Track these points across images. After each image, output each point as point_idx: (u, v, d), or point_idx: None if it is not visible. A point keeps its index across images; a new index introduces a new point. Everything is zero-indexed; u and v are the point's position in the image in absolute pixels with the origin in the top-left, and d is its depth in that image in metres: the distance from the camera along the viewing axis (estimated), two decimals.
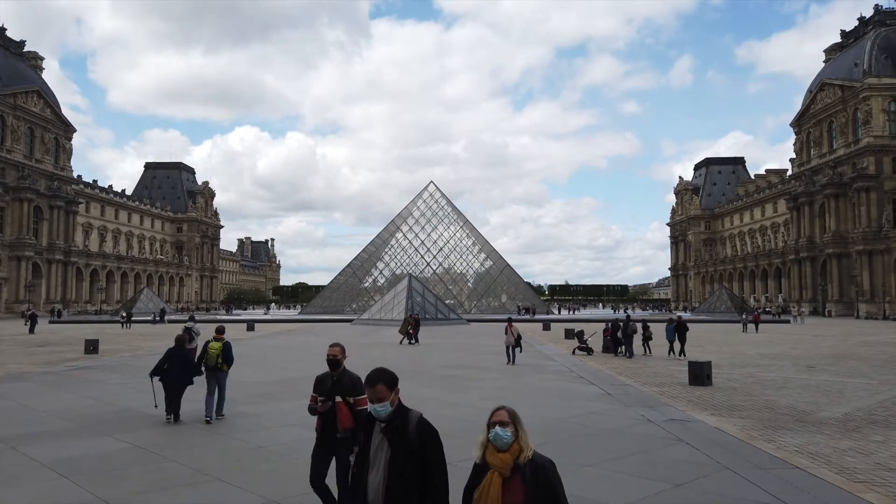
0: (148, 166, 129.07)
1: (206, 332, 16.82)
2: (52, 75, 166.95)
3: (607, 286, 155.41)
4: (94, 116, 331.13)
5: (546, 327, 43.37)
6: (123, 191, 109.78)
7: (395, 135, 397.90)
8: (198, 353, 13.63)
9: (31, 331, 38.77)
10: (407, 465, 3.34)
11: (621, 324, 24.14)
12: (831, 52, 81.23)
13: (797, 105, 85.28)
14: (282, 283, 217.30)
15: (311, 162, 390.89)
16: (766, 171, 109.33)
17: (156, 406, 10.94)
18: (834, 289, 71.85)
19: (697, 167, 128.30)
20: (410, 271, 65.87)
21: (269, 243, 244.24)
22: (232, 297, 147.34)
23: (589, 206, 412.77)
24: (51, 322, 55.78)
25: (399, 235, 74.23)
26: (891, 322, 55.83)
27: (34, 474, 7.68)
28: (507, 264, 73.73)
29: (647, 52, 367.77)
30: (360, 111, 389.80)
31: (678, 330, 23.06)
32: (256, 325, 46.44)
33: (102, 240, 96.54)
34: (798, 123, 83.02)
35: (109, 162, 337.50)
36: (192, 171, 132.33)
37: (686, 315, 46.82)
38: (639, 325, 24.48)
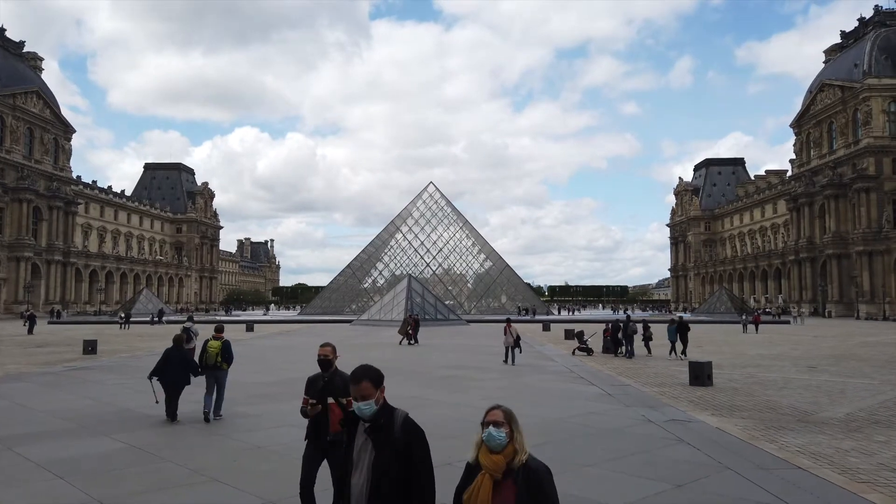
0: (147, 167, 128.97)
1: (204, 333, 16.75)
2: (51, 76, 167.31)
3: (607, 287, 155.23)
4: (94, 117, 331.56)
5: (546, 328, 43.32)
6: (123, 191, 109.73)
7: (394, 135, 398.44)
8: (197, 353, 13.61)
9: (30, 331, 38.73)
10: (392, 465, 3.21)
11: (621, 324, 24.09)
12: (831, 52, 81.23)
13: (797, 106, 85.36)
14: (281, 283, 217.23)
15: (310, 162, 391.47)
16: (766, 171, 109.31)
17: (156, 402, 10.90)
18: (834, 289, 71.81)
19: (697, 168, 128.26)
20: (410, 272, 65.82)
21: (269, 244, 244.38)
22: (231, 297, 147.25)
23: (589, 206, 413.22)
24: (50, 323, 55.73)
25: (399, 236, 74.22)
26: (891, 323, 55.79)
27: (30, 475, 7.63)
28: (507, 265, 73.67)
29: (646, 53, 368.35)
30: (360, 112, 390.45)
31: (680, 330, 23.00)
32: (256, 325, 46.38)
33: (102, 240, 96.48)
34: (798, 124, 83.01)
35: (109, 163, 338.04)
36: (191, 172, 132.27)
37: (686, 316, 46.66)
38: (639, 326, 24.44)
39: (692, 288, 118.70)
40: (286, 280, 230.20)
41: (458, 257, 74.28)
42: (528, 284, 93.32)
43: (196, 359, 11.82)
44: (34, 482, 7.34)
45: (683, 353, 22.52)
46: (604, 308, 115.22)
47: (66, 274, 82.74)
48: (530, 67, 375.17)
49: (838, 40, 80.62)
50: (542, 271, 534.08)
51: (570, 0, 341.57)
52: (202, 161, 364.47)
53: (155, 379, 10.83)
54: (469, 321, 51.18)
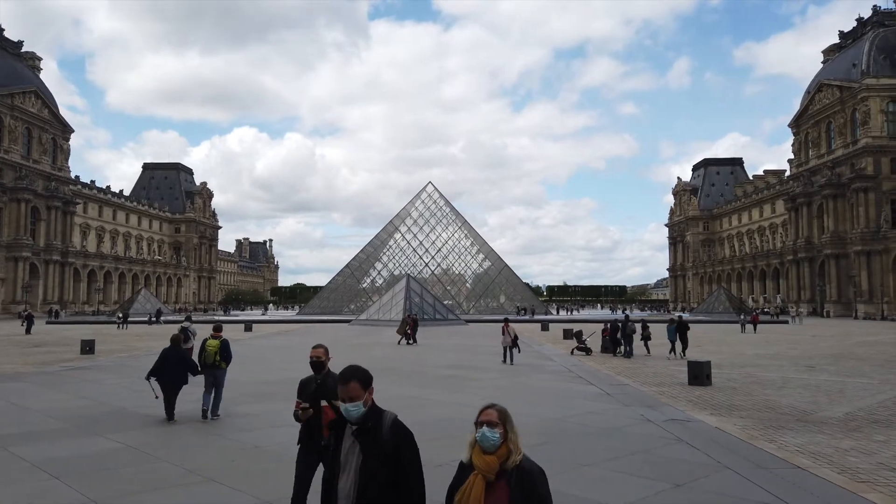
0: (146, 167, 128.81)
1: (202, 333, 16.70)
2: (50, 76, 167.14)
3: (605, 287, 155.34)
4: (92, 117, 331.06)
5: (544, 328, 43.31)
6: (121, 191, 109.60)
7: (393, 136, 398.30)
8: (195, 352, 13.57)
9: (28, 331, 38.65)
10: (380, 469, 3.11)
11: (620, 324, 24.06)
12: (829, 52, 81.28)
13: (795, 106, 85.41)
14: (280, 283, 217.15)
15: (309, 163, 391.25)
16: (765, 171, 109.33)
17: (156, 397, 10.86)
18: (832, 289, 71.84)
19: (696, 168, 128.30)
20: (409, 272, 65.73)
21: (268, 244, 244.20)
22: (230, 297, 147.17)
23: (587, 207, 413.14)
24: (48, 323, 55.62)
25: (397, 236, 74.14)
26: (889, 322, 55.81)
27: (25, 475, 7.57)
28: (506, 265, 73.62)
29: (645, 54, 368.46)
30: (359, 112, 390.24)
31: (679, 330, 22.98)
32: (254, 325, 46.34)
33: (100, 240, 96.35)
34: (796, 124, 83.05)
35: (107, 163, 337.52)
36: (190, 172, 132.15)
37: (685, 316, 46.66)
38: (638, 326, 24.41)
39: (691, 288, 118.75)
40: (285, 280, 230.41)
41: (456, 257, 74.23)
42: (527, 284, 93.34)
43: (194, 357, 11.78)
44: (29, 482, 7.28)
45: (683, 352, 22.51)
46: (602, 308, 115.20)
47: (64, 274, 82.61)
48: (529, 68, 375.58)
49: (836, 40, 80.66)
50: (540, 271, 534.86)
51: (568, 0, 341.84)
52: (200, 161, 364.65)
53: (153, 379, 10.81)
54: (468, 321, 51.15)
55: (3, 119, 72.29)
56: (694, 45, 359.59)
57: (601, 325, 26.49)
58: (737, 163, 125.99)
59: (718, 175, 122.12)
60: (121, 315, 50.31)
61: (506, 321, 22.39)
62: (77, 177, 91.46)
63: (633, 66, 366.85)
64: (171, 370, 10.76)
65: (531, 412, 11.42)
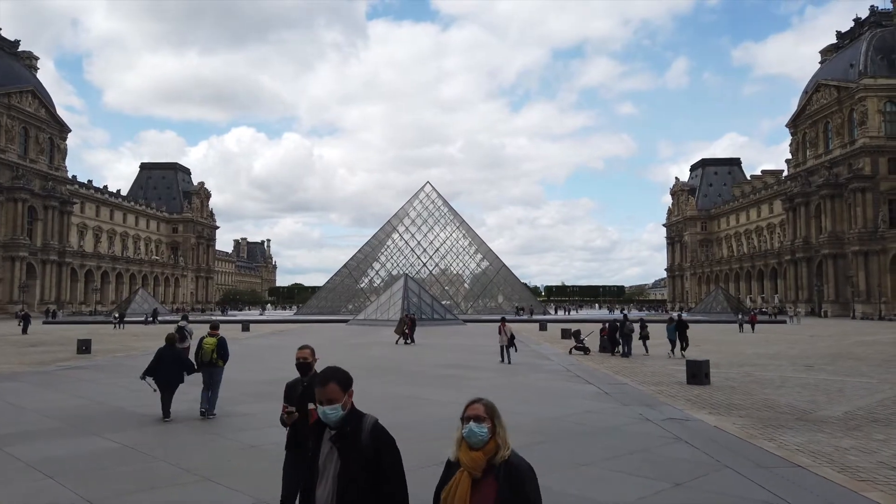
0: (143, 167, 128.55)
1: (199, 333, 16.64)
2: (47, 76, 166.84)
3: (604, 287, 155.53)
4: (90, 117, 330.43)
5: (543, 327, 43.29)
6: (119, 191, 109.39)
7: (391, 136, 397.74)
8: (192, 351, 13.52)
9: (24, 331, 38.51)
10: (359, 475, 2.98)
11: (618, 324, 24.04)
12: (827, 53, 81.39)
13: (793, 107, 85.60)
14: (278, 284, 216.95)
15: (307, 163, 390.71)
16: (762, 171, 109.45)
17: (154, 391, 10.81)
18: (830, 289, 71.91)
19: (693, 168, 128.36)
20: (407, 272, 65.61)
21: (266, 244, 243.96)
22: (228, 297, 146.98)
23: (586, 207, 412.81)
24: (44, 323, 55.49)
25: (395, 236, 74.04)
26: (886, 322, 55.88)
27: (19, 474, 7.51)
28: (504, 265, 73.58)
29: (643, 54, 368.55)
30: (357, 112, 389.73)
31: (679, 329, 22.97)
32: (252, 325, 46.25)
33: (97, 240, 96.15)
34: (794, 124, 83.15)
35: (105, 163, 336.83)
36: (187, 172, 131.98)
37: (684, 315, 46.69)
38: (636, 325, 24.39)
39: (689, 288, 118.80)
40: (283, 280, 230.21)
41: (454, 257, 74.15)
42: (525, 284, 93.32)
43: (191, 356, 11.73)
44: (24, 482, 7.22)
45: (683, 351, 22.49)
46: (600, 308, 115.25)
47: (61, 274, 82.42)
48: (527, 68, 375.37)
49: (834, 41, 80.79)
50: (538, 271, 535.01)
51: (566, 0, 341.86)
52: (198, 161, 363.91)
53: (149, 378, 10.76)
54: (466, 321, 51.12)
55: None
56: (692, 45, 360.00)
57: (599, 325, 26.47)
58: (735, 163, 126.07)
59: (716, 175, 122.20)
60: (117, 315, 50.18)
61: (503, 320, 22.36)
62: (74, 176, 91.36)
63: (631, 67, 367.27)
64: (166, 369, 10.71)
65: (529, 411, 11.38)
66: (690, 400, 13.03)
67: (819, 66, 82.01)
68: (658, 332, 28.53)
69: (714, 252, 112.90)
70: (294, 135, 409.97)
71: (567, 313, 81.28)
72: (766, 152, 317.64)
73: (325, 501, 3.04)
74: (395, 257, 74.03)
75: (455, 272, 75.56)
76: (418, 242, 72.88)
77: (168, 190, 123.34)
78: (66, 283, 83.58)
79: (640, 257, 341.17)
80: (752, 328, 41.33)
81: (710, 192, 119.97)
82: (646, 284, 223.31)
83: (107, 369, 18.98)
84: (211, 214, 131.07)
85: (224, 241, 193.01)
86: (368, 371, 17.52)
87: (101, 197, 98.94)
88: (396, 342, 29.17)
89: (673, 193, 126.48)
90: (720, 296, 72.89)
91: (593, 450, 8.68)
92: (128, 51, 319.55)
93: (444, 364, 20.35)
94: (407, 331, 29.54)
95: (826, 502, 6.41)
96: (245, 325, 44.38)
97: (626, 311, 45.16)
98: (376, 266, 74.68)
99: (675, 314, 31.74)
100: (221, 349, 11.12)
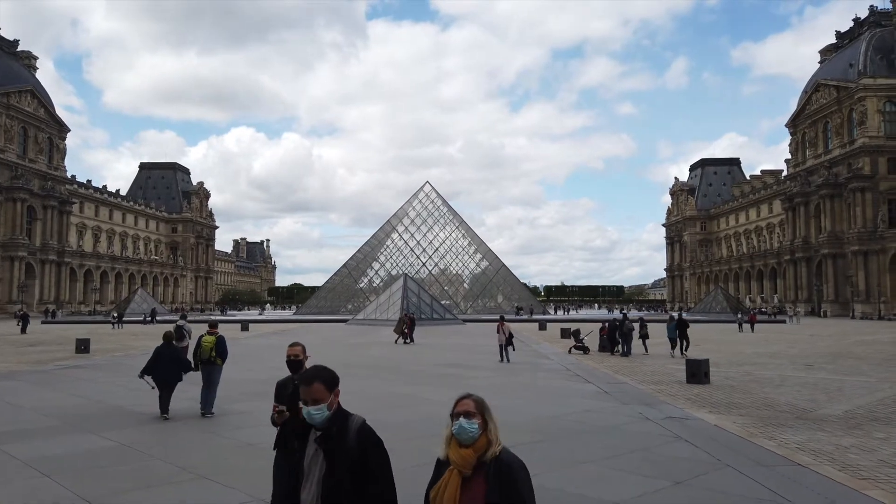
0: (143, 166, 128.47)
1: (198, 332, 16.62)
2: (47, 76, 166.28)
3: (603, 287, 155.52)
4: (90, 117, 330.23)
5: (542, 327, 43.26)
6: (118, 191, 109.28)
7: (391, 136, 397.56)
8: (191, 350, 13.49)
9: (23, 331, 38.48)
10: (345, 478, 2.87)
11: (618, 323, 24.01)
12: (826, 52, 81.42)
13: (792, 107, 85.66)
14: (277, 284, 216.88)
15: (307, 163, 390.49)
16: (762, 171, 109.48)
17: (152, 388, 10.80)
18: (829, 289, 71.90)
19: (693, 168, 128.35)
20: (406, 272, 65.59)
21: (265, 244, 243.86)
22: (227, 297, 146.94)
23: (585, 207, 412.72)
24: (43, 322, 55.44)
25: (395, 236, 74.01)
26: (886, 322, 55.88)
27: (15, 473, 7.47)
28: (503, 265, 73.58)
29: (642, 54, 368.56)
30: (357, 112, 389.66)
31: (679, 327, 22.94)
32: (251, 325, 46.23)
33: (96, 240, 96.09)
34: (793, 124, 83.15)
35: (104, 163, 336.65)
36: (187, 172, 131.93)
37: (684, 314, 46.69)
38: (636, 325, 24.36)
39: (688, 288, 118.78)
40: (282, 280, 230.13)
41: (454, 257, 74.14)
42: (525, 284, 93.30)
43: (190, 355, 11.70)
44: (20, 480, 7.18)
45: (683, 350, 22.46)
46: (599, 308, 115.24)
47: (60, 274, 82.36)
48: (527, 68, 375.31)
49: (833, 40, 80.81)
50: (538, 271, 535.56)
51: (566, 1, 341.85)
52: (198, 161, 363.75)
53: (147, 377, 10.73)
54: (465, 321, 51.09)
55: None
56: (691, 45, 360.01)
57: (598, 325, 26.45)
58: (734, 163, 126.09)
59: (716, 175, 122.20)
60: (116, 315, 50.14)
61: (501, 319, 22.34)
62: (73, 176, 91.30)
63: (630, 67, 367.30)
64: (164, 368, 10.69)
65: (528, 410, 11.35)
66: (690, 399, 12.99)
67: (818, 65, 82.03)
68: (657, 331, 28.52)
69: (713, 252, 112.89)
70: (294, 135, 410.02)
71: (566, 313, 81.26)
72: (766, 152, 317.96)
73: None
74: (394, 257, 74.00)
75: (454, 272, 75.58)
76: (418, 242, 72.88)
77: (167, 190, 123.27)
78: (65, 283, 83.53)
79: (640, 257, 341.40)
80: (752, 328, 41.30)
81: (710, 192, 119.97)
82: (645, 284, 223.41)
83: (105, 368, 18.94)
84: (210, 214, 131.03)
85: (223, 241, 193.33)
86: (368, 370, 17.47)
87: (100, 197, 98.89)
88: (396, 342, 29.13)
89: (672, 193, 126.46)
90: (720, 296, 72.82)
91: (593, 448, 8.64)
92: (127, 51, 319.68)
93: (444, 363, 20.32)
94: (406, 330, 29.51)
95: (827, 500, 6.38)
96: (244, 325, 44.36)
97: (625, 311, 45.18)
98: (376, 266, 74.66)
99: (674, 313, 31.72)
100: (220, 347, 11.10)
